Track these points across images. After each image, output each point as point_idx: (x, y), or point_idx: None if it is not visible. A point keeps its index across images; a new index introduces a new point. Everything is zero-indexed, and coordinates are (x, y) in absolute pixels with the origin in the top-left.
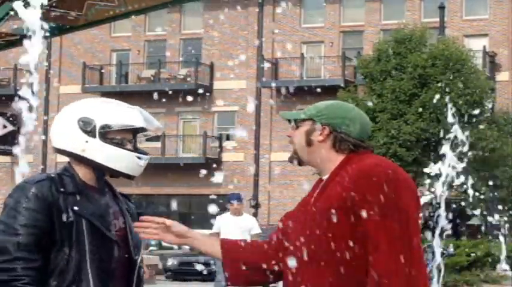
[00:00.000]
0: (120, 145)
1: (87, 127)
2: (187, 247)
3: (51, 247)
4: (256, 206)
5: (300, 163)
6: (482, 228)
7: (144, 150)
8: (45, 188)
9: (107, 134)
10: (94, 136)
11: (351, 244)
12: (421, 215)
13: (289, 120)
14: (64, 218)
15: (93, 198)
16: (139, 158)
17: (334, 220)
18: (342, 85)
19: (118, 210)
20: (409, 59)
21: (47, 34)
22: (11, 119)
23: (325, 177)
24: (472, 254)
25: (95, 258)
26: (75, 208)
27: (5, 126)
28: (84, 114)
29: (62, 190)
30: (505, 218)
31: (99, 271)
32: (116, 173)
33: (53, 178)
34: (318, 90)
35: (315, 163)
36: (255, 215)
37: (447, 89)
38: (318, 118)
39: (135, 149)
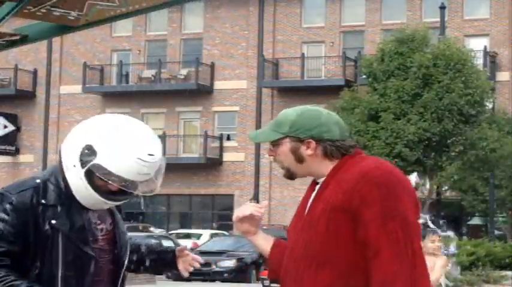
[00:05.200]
0: (103, 182)
1: (84, 157)
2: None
3: (24, 259)
4: None
5: (294, 178)
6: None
7: (131, 192)
8: (26, 199)
9: (95, 173)
10: (82, 167)
11: (350, 247)
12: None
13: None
14: (40, 231)
15: (76, 209)
16: (106, 203)
17: (333, 223)
18: (343, 85)
19: (106, 210)
20: (413, 59)
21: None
22: (11, 119)
23: (320, 180)
24: (473, 254)
25: (68, 273)
26: (53, 221)
27: (5, 126)
28: (95, 143)
29: (43, 201)
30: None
31: (72, 285)
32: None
33: (37, 186)
34: (319, 90)
35: (311, 175)
36: None
37: (448, 89)
38: (296, 133)
39: (117, 191)
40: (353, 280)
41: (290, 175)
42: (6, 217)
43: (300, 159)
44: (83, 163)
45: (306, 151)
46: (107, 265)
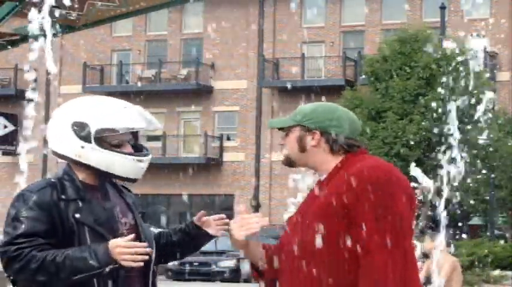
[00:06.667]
0: (117, 148)
1: (81, 132)
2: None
3: None
4: (257, 206)
5: (293, 166)
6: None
7: (146, 148)
8: (47, 196)
9: (103, 138)
10: (89, 141)
11: (344, 246)
12: (420, 221)
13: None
14: (66, 226)
15: (96, 202)
16: (139, 161)
17: (327, 221)
18: (343, 85)
19: (125, 205)
20: (417, 59)
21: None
22: (11, 119)
23: (322, 177)
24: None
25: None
26: (77, 215)
27: (5, 126)
28: (78, 117)
29: (63, 197)
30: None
31: (106, 277)
32: (115, 177)
33: (54, 184)
34: (319, 90)
35: (311, 166)
36: None
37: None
38: (306, 123)
39: (137, 149)
40: (346, 278)
41: (289, 162)
42: (34, 214)
43: (303, 148)
44: (86, 138)
45: (310, 142)
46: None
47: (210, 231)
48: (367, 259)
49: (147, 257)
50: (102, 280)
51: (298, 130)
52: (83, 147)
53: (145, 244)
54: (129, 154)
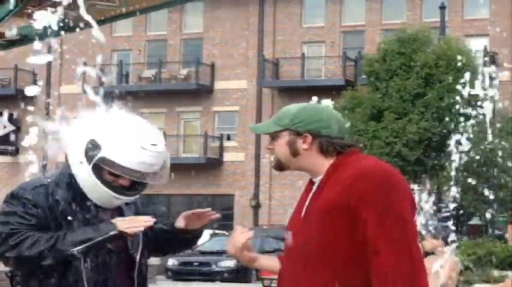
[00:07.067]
0: (113, 176)
1: (89, 152)
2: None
3: None
4: (257, 206)
5: (283, 170)
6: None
7: (144, 186)
8: (41, 195)
9: (103, 168)
10: (89, 162)
11: (347, 245)
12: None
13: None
14: (59, 227)
15: (89, 205)
16: (116, 198)
17: (332, 222)
18: (343, 85)
19: (115, 210)
20: (416, 59)
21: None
22: (11, 119)
23: (317, 179)
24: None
25: (90, 267)
26: (69, 217)
27: (5, 127)
28: (99, 137)
29: (57, 198)
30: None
31: (96, 279)
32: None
33: (48, 185)
34: (319, 90)
35: (304, 170)
36: (256, 215)
37: (449, 89)
38: (295, 126)
39: (132, 185)
40: (349, 279)
41: (280, 167)
42: (27, 210)
43: (295, 153)
44: (89, 159)
45: (302, 145)
46: (123, 262)
47: (196, 226)
48: (375, 260)
49: (150, 223)
50: (89, 265)
51: (287, 134)
52: (81, 162)
53: (146, 217)
54: (115, 190)
